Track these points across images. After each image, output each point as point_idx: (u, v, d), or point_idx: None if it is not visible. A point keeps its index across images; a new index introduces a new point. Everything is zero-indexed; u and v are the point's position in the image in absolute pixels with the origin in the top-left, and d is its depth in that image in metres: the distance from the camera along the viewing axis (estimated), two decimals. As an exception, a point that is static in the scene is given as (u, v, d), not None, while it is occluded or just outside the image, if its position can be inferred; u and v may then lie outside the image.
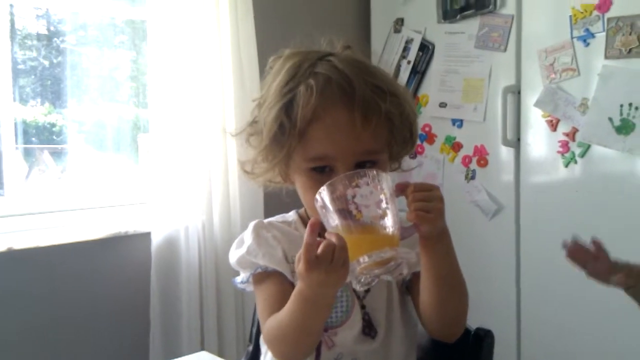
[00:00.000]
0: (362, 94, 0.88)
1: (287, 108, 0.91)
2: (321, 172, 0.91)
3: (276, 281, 0.96)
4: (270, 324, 0.92)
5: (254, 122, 0.98)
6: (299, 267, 0.80)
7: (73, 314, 2.05)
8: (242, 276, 1.01)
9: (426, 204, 0.85)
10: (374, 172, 0.83)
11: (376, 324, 0.99)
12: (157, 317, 2.14)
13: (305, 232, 0.79)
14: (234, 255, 1.01)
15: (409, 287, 1.03)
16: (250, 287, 1.02)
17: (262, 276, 0.98)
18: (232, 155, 2.24)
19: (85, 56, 2.34)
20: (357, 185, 0.81)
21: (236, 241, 1.03)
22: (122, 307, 2.14)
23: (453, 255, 0.93)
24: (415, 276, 0.97)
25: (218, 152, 2.23)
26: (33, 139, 2.30)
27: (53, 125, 2.32)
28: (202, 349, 2.06)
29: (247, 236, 1.01)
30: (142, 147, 2.41)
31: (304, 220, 1.03)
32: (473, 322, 1.15)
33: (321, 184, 0.88)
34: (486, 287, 2.27)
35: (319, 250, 0.77)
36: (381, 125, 0.90)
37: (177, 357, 1.34)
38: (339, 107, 0.89)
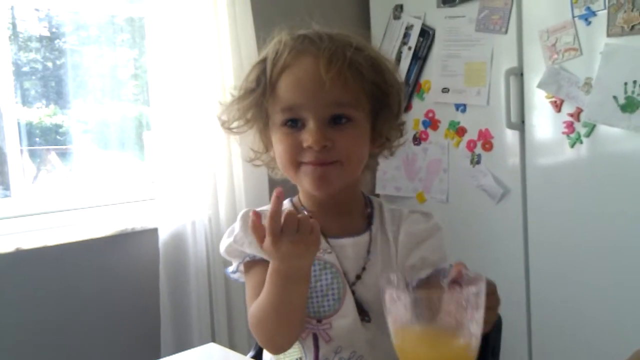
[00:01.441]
0: (329, 44, 0.91)
1: (264, 63, 0.95)
2: (293, 127, 0.93)
3: (263, 269, 0.94)
4: (252, 309, 0.93)
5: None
6: (265, 242, 0.80)
7: (83, 312, 2.06)
8: (233, 266, 1.02)
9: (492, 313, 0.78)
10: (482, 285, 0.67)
11: (367, 308, 0.97)
12: (167, 311, 2.15)
13: (271, 201, 0.80)
14: (223, 244, 1.01)
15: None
16: (242, 278, 1.02)
17: (250, 265, 0.98)
18: (236, 149, 2.25)
19: (87, 56, 2.35)
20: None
21: (227, 231, 1.03)
22: (131, 302, 2.16)
23: None
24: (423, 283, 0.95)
25: (222, 146, 2.23)
26: (39, 140, 2.31)
27: (59, 126, 2.34)
28: (213, 341, 2.07)
29: (237, 225, 1.01)
30: (147, 144, 2.42)
31: (297, 208, 1.03)
32: (481, 306, 1.15)
33: (292, 138, 0.91)
34: (494, 271, 2.25)
35: (282, 220, 0.78)
36: (348, 74, 0.90)
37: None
38: (306, 56, 0.92)
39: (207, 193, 2.23)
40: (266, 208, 1.03)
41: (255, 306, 0.92)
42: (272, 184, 2.27)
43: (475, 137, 2.31)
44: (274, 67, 0.93)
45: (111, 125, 2.40)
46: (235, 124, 0.99)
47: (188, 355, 1.31)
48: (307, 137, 0.90)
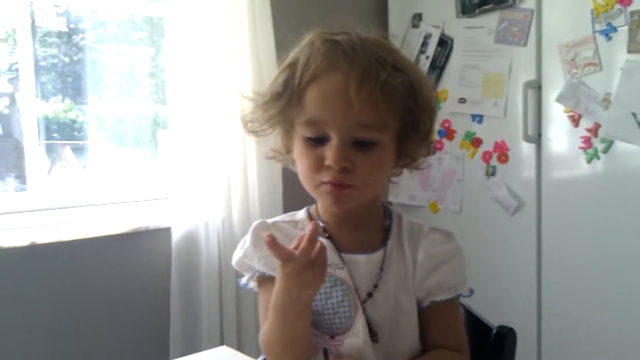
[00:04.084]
0: (362, 59, 0.86)
1: (294, 69, 0.91)
2: (317, 143, 0.89)
3: (273, 287, 0.91)
4: (261, 334, 0.93)
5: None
6: (289, 268, 0.82)
7: (94, 308, 2.07)
8: (244, 278, 1.01)
9: None
10: None
11: (376, 328, 0.94)
12: (177, 312, 2.15)
13: (306, 236, 0.80)
14: (234, 256, 1.00)
15: (421, 312, 0.98)
16: (256, 288, 1.00)
17: (261, 280, 0.97)
18: (250, 151, 2.25)
19: (104, 53, 2.36)
20: None
21: (240, 242, 1.01)
22: (142, 301, 2.16)
23: None
24: (429, 311, 0.96)
25: (237, 147, 2.23)
26: (54, 134, 2.33)
27: (74, 121, 2.35)
28: (222, 344, 2.07)
29: (248, 238, 0.99)
30: (161, 143, 2.43)
31: (312, 217, 1.01)
32: (494, 319, 1.14)
33: (314, 154, 0.89)
34: (507, 284, 2.26)
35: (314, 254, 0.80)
36: (379, 97, 0.85)
37: (197, 352, 1.35)
38: (337, 70, 0.87)
39: (220, 194, 2.23)
40: (279, 219, 1.02)
41: (262, 332, 0.93)
42: (286, 186, 2.28)
43: (490, 149, 2.30)
44: (302, 75, 0.89)
45: (127, 122, 2.41)
46: (259, 128, 0.97)
47: (199, 358, 1.31)
48: (329, 155, 0.87)
